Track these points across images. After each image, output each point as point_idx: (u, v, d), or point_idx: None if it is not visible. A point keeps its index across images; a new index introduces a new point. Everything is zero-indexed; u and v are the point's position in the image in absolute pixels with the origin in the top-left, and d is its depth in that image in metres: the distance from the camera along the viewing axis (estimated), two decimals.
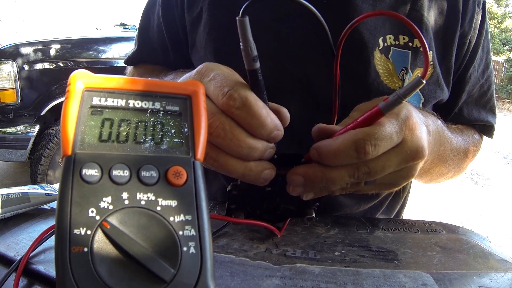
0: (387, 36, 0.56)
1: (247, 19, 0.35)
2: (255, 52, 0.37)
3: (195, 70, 0.41)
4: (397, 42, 0.57)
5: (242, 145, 0.37)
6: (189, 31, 0.65)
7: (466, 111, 0.69)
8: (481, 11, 0.63)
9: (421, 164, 0.42)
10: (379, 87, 0.56)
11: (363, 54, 0.56)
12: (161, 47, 0.71)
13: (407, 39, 0.57)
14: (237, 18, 0.35)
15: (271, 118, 0.38)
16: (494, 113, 0.73)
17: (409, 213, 0.84)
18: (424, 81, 0.34)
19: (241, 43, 0.36)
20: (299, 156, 0.43)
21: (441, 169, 0.61)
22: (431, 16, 0.59)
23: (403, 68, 0.57)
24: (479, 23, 0.63)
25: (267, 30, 0.57)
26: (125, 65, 0.80)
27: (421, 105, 0.60)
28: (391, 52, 0.57)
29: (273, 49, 0.57)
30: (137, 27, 0.76)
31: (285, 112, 0.41)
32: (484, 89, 0.70)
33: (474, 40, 0.63)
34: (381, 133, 0.38)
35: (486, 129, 0.73)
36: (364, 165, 0.39)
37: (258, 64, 0.38)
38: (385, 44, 0.56)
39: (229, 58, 0.49)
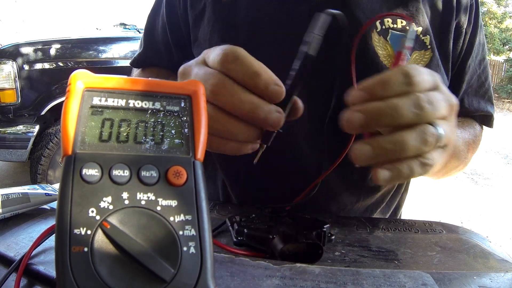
0: (385, 20, 0.58)
1: (328, 17, 0.40)
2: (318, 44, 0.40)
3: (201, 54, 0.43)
4: (395, 26, 0.59)
5: (244, 99, 0.38)
6: (192, 27, 0.66)
7: (467, 102, 0.70)
8: (474, 4, 0.66)
9: (454, 119, 0.42)
10: (377, 68, 0.58)
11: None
12: (165, 47, 0.73)
13: (404, 22, 0.59)
14: (320, 13, 0.40)
15: (265, 70, 0.38)
16: (492, 104, 0.75)
17: (409, 213, 0.84)
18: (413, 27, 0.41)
19: (314, 31, 0.40)
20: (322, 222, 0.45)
21: (454, 162, 0.63)
22: (425, 4, 0.61)
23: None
24: (473, 15, 0.66)
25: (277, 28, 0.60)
26: (131, 66, 0.81)
27: None
28: (389, 34, 0.59)
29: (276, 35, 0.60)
30: (143, 29, 0.78)
31: (299, 101, 0.41)
32: (481, 80, 0.71)
33: (470, 31, 0.66)
34: (416, 67, 0.39)
35: (486, 120, 0.74)
36: (423, 96, 0.38)
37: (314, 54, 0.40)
38: (383, 27, 0.58)
39: None
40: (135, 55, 0.78)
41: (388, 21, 0.59)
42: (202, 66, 0.41)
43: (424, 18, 0.60)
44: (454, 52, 0.64)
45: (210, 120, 0.38)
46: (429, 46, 0.60)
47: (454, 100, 0.41)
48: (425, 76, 0.38)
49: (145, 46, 0.76)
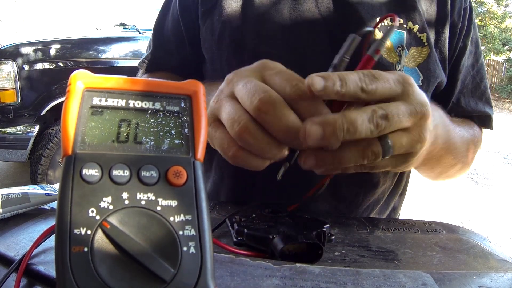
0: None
1: (359, 38, 0.41)
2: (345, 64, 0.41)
3: (255, 64, 0.42)
4: (393, 23, 0.60)
5: (292, 124, 0.37)
6: (201, 21, 0.67)
7: (463, 101, 0.71)
8: (468, 8, 0.67)
9: (428, 124, 0.41)
10: (379, 61, 0.59)
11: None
12: (177, 47, 0.73)
13: (402, 21, 0.62)
14: (352, 34, 0.41)
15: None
16: (490, 105, 0.75)
17: (409, 213, 0.84)
18: (397, 23, 0.41)
19: (342, 52, 0.41)
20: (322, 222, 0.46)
21: (450, 159, 0.63)
22: (421, 3, 0.63)
23: (400, 46, 0.62)
24: (467, 19, 0.67)
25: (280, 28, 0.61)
26: (138, 68, 0.80)
27: (420, 82, 0.63)
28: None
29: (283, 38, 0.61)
30: (151, 30, 0.78)
31: None
32: (477, 81, 0.72)
33: (464, 32, 0.67)
34: (378, 72, 0.39)
35: (485, 121, 0.74)
36: (378, 108, 0.38)
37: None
38: (383, 24, 0.60)
39: (242, 42, 0.50)
40: (143, 56, 0.78)
41: (387, 19, 0.60)
42: (255, 81, 0.40)
43: (421, 16, 0.62)
44: (449, 51, 0.66)
45: (246, 133, 0.38)
46: (426, 43, 0.62)
47: (425, 108, 0.40)
48: (382, 84, 0.38)
49: (154, 46, 0.76)
